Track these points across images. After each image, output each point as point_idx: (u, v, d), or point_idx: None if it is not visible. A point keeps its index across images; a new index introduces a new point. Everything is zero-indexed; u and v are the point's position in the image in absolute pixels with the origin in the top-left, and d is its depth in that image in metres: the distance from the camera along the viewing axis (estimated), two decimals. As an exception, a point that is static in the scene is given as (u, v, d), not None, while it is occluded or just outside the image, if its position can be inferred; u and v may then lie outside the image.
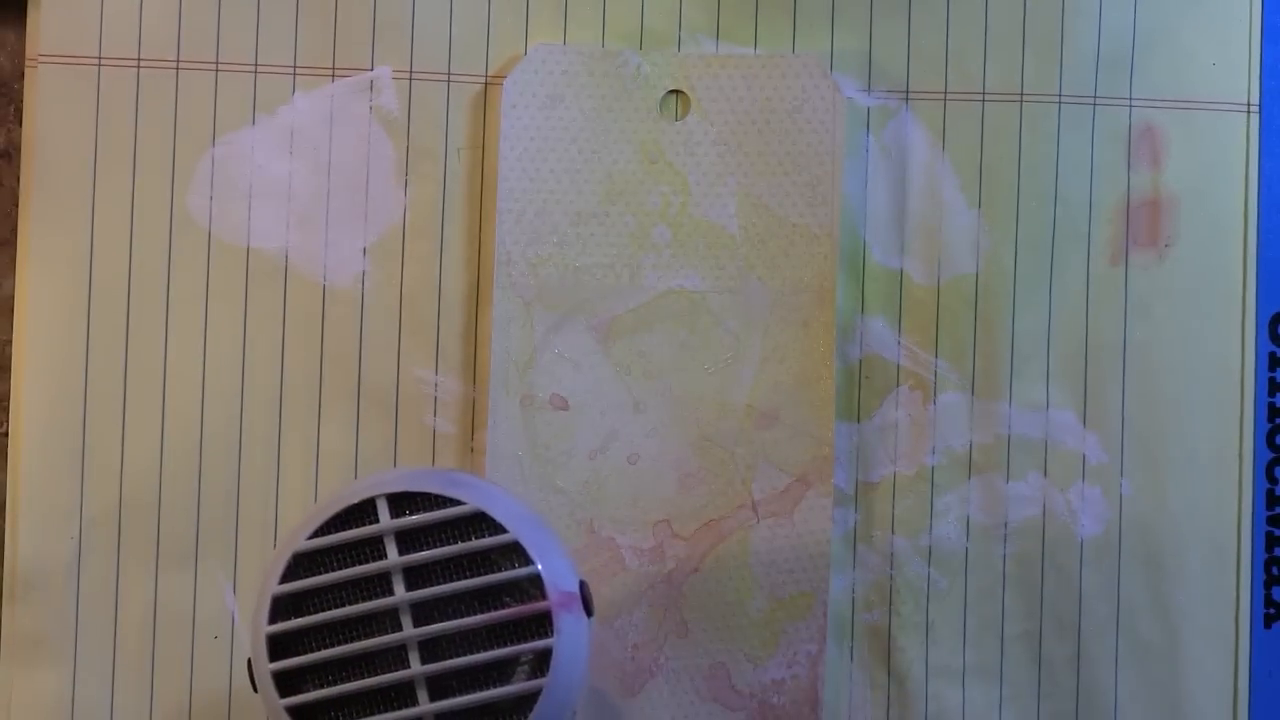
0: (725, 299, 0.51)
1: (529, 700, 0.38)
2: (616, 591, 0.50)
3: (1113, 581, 0.51)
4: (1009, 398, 0.52)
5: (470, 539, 0.39)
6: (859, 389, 0.52)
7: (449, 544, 0.39)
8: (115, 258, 0.51)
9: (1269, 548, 0.52)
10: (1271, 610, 0.52)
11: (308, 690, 0.38)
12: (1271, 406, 0.52)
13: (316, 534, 0.39)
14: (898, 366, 0.52)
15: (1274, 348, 0.52)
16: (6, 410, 0.51)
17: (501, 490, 0.41)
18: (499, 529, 0.39)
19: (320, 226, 0.51)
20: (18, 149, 0.51)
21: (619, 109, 0.51)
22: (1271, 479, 0.52)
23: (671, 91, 0.51)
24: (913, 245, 0.52)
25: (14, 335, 0.51)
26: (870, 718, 0.51)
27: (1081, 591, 0.51)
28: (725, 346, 0.51)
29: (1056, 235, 0.52)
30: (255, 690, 0.39)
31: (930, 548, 0.51)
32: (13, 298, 0.51)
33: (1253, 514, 0.52)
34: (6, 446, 0.51)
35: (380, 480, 0.40)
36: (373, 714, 0.38)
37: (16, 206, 0.51)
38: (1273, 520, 0.52)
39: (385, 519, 0.39)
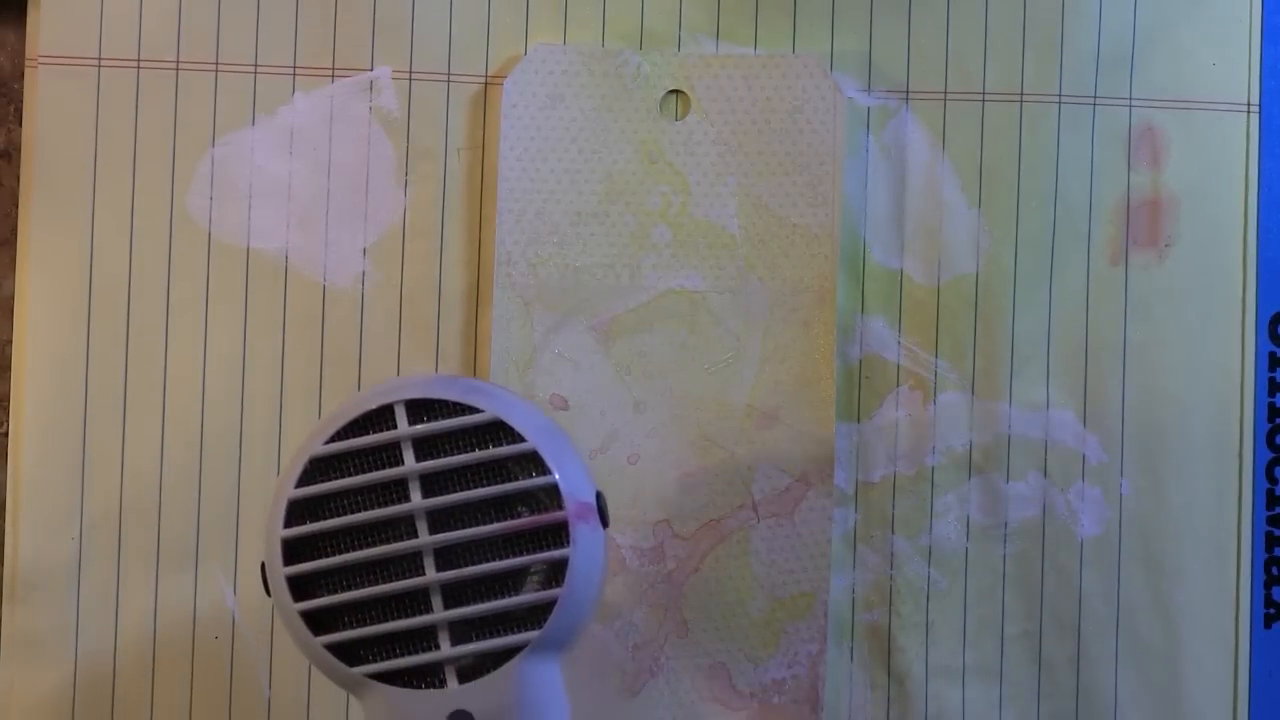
0: (725, 299, 0.51)
1: (544, 610, 0.38)
2: (617, 591, 0.50)
3: (1112, 582, 0.51)
4: (1009, 398, 0.52)
5: (488, 447, 0.38)
6: (859, 389, 0.52)
7: (467, 452, 0.38)
8: (115, 258, 0.51)
9: (1269, 548, 0.52)
10: (1271, 610, 0.52)
11: (321, 595, 0.38)
12: (1271, 406, 0.52)
13: (333, 439, 0.38)
14: (898, 366, 0.52)
15: (1274, 348, 0.52)
16: (6, 410, 0.51)
17: (520, 399, 0.40)
18: (517, 438, 0.38)
19: (320, 227, 0.51)
20: (18, 149, 0.51)
21: (619, 109, 0.51)
22: (1271, 479, 0.52)
23: (671, 91, 0.51)
24: (913, 245, 0.52)
25: (14, 335, 0.51)
26: (870, 718, 0.51)
27: (1081, 592, 0.51)
28: (725, 346, 0.51)
29: (1056, 235, 0.52)
30: (269, 594, 0.38)
31: (930, 548, 0.51)
32: (13, 298, 0.51)
33: (1253, 514, 0.52)
34: (6, 446, 0.51)
35: (399, 386, 0.39)
36: (386, 621, 0.38)
37: (16, 206, 0.51)
38: (1273, 520, 0.52)
39: (403, 425, 0.38)
